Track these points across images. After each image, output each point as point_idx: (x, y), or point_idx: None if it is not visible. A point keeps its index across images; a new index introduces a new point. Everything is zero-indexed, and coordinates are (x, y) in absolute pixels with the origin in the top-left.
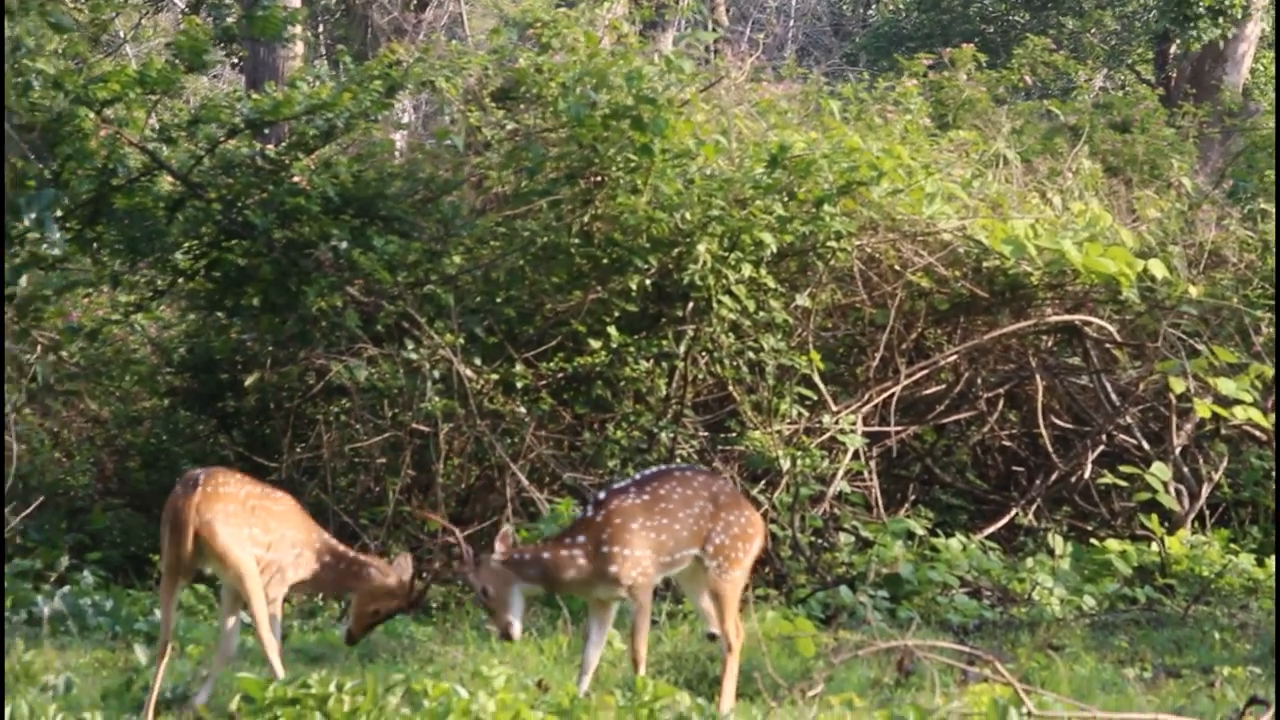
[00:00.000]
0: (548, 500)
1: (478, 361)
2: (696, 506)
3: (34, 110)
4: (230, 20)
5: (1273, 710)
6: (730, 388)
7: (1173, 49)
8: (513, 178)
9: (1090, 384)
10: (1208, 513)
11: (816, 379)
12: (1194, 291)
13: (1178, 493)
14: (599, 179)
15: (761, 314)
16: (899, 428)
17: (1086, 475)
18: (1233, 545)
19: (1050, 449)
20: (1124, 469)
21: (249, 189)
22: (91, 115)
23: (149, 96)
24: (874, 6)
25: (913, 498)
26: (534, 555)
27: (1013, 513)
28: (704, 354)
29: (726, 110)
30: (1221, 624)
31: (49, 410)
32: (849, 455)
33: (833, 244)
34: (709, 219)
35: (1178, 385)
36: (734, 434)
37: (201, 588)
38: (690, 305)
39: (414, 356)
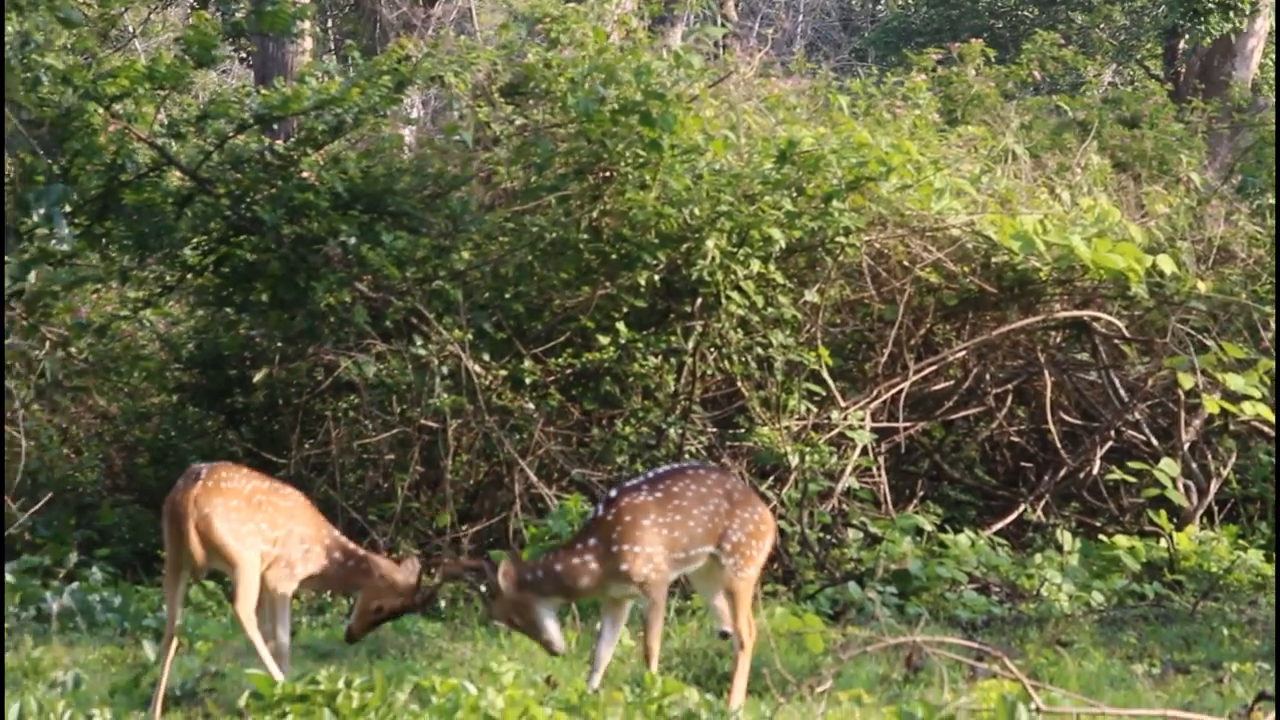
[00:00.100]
0: (556, 496)
1: (486, 357)
2: (711, 504)
3: (43, 105)
4: (239, 15)
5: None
6: (739, 384)
7: (1181, 44)
8: (521, 173)
9: (1099, 380)
10: (1216, 508)
11: (825, 375)
12: (1203, 287)
13: (1186, 489)
14: (608, 174)
15: (770, 310)
16: (907, 424)
17: (1095, 471)
18: (1241, 541)
19: (1059, 445)
20: (1132, 465)
21: (258, 184)
22: (100, 110)
23: (158, 92)
24: (883, 2)
25: (921, 494)
26: (547, 570)
27: (1021, 509)
28: (712, 350)
29: (735, 105)
30: (1230, 620)
31: (57, 406)
32: (857, 451)
33: (841, 239)
34: (718, 214)
35: (1186, 381)
36: (742, 430)
37: (210, 584)
38: (699, 301)
39: (422, 352)
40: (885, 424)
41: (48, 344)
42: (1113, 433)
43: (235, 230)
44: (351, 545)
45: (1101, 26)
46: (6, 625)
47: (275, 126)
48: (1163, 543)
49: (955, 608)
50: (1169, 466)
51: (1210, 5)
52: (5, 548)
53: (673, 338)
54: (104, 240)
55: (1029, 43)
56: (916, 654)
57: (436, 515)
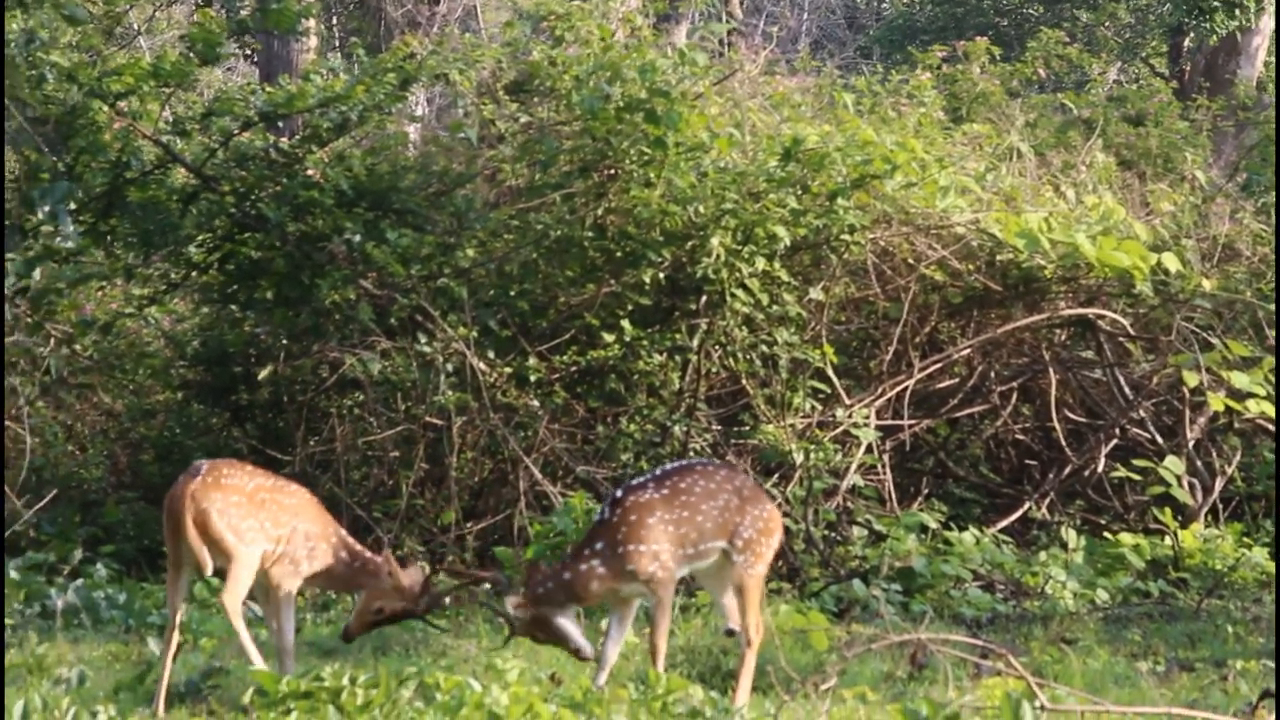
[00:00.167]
0: (561, 494)
1: (491, 355)
2: (721, 499)
3: (48, 103)
4: (244, 13)
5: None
6: (743, 381)
7: (1187, 42)
8: (526, 171)
9: (1104, 377)
10: (1221, 506)
11: (830, 372)
12: (1208, 285)
13: (1191, 486)
14: (612, 172)
15: (775, 307)
16: (912, 421)
17: (1100, 469)
18: (1246, 539)
19: (1063, 443)
20: (1137, 463)
21: (262, 182)
22: (105, 108)
23: (163, 89)
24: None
25: (926, 491)
26: (556, 581)
27: (1026, 506)
28: (717, 347)
29: (740, 103)
30: (1234, 618)
31: (62, 403)
32: (862, 449)
33: (846, 237)
34: (722, 212)
35: (1191, 379)
36: (747, 427)
37: (215, 580)
38: (704, 299)
39: (427, 350)
40: (890, 421)
41: (53, 341)
42: (1117, 430)
43: (240, 227)
44: (358, 546)
45: (1106, 24)
46: (12, 622)
47: (280, 124)
48: (1167, 540)
49: (960, 605)
50: (1174, 464)
51: (1215, 3)
52: (12, 545)
53: (678, 335)
54: (109, 237)
55: (1034, 40)
56: (921, 651)
57: (441, 512)
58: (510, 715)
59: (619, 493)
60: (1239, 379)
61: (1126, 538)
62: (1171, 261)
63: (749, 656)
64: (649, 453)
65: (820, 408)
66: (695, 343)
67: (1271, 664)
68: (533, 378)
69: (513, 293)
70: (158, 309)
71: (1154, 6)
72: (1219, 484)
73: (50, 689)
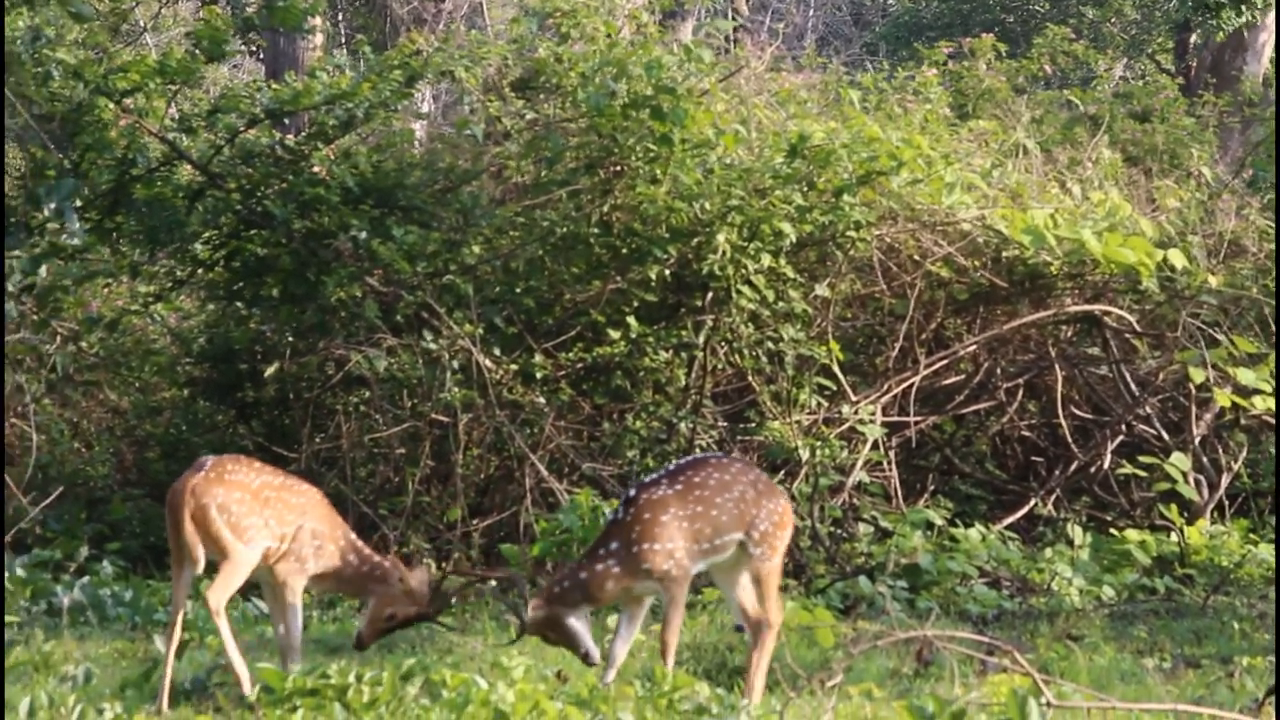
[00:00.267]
0: (567, 491)
1: (497, 352)
2: (737, 491)
3: (54, 100)
4: (250, 10)
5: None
6: (749, 378)
7: (1193, 38)
8: (532, 168)
9: (1110, 374)
10: (1227, 503)
11: (835, 369)
12: (1214, 281)
13: (1197, 483)
14: (618, 169)
15: (781, 304)
16: (918, 418)
17: (1106, 465)
18: (1252, 535)
19: (1069, 439)
20: (1143, 459)
21: (268, 179)
22: (111, 105)
23: (169, 86)
24: None
25: (932, 488)
26: (572, 580)
27: (1032, 503)
28: (723, 344)
29: (746, 100)
30: (1241, 614)
31: (68, 401)
32: (868, 445)
33: (852, 234)
34: (728, 209)
35: (1197, 375)
36: (753, 424)
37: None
38: (709, 295)
39: (433, 347)
40: (896, 418)
41: (58, 339)
42: (1123, 427)
43: (246, 225)
44: (368, 550)
45: (1113, 21)
46: (18, 619)
47: (286, 121)
48: (1173, 537)
49: (966, 602)
50: (1180, 461)
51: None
52: (18, 542)
53: (683, 332)
54: (115, 235)
55: (1040, 37)
56: (927, 648)
57: (447, 510)
58: (516, 712)
59: (633, 491)
60: (1245, 375)
61: (1132, 534)
62: (1177, 258)
63: (769, 637)
64: (655, 449)
65: (826, 404)
66: (701, 339)
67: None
68: (539, 374)
69: (519, 289)
70: (164, 306)
71: (1160, 3)
72: (1225, 480)
73: (56, 686)
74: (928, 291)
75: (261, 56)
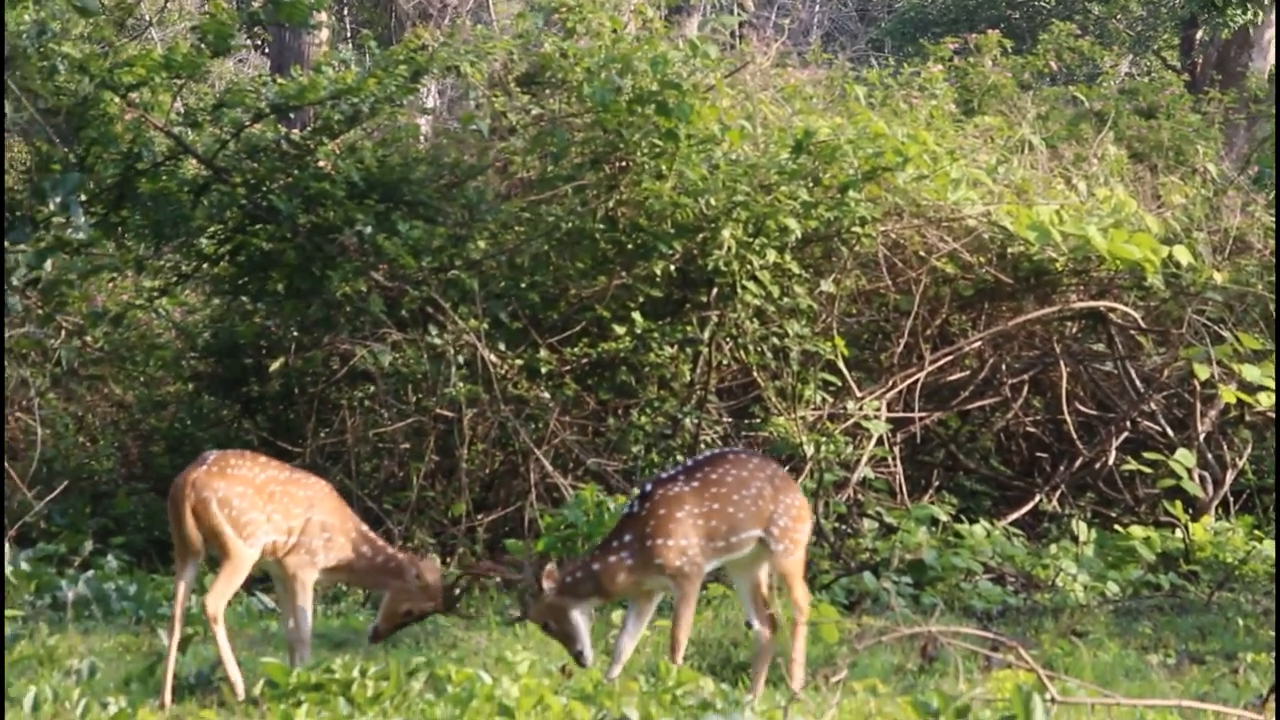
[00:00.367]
0: (571, 486)
1: (502, 347)
2: (754, 487)
3: (59, 94)
4: (256, 5)
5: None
6: (754, 373)
7: (1199, 35)
8: (537, 163)
9: (1115, 370)
10: (1232, 499)
11: (841, 365)
12: (1219, 278)
13: (1202, 479)
14: (624, 164)
15: (786, 299)
16: (923, 414)
17: (1110, 462)
18: (1257, 532)
19: (1074, 435)
20: (1148, 455)
21: (274, 174)
22: (117, 99)
23: (174, 81)
24: None
25: (937, 484)
26: (585, 571)
27: (1037, 499)
28: (728, 340)
29: (752, 95)
30: (1245, 610)
31: (73, 395)
32: (873, 441)
33: (857, 229)
34: (734, 204)
35: (1202, 371)
36: (758, 420)
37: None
38: (715, 291)
39: (438, 342)
40: (901, 414)
41: (63, 332)
42: (1128, 423)
43: (251, 219)
44: (381, 542)
45: (1118, 17)
46: (23, 613)
47: (291, 116)
48: (1178, 533)
49: (970, 598)
50: (1185, 457)
51: None
52: (23, 536)
53: (688, 327)
54: (120, 229)
55: (1046, 33)
56: (932, 644)
57: (452, 504)
58: (521, 707)
59: (649, 486)
60: (1250, 372)
61: (1137, 530)
62: (1183, 254)
63: (799, 629)
64: (660, 445)
65: (831, 400)
66: (706, 335)
67: None
68: (544, 370)
69: (524, 285)
70: (169, 300)
71: None
72: (1230, 477)
73: (61, 680)
74: (933, 287)
75: (267, 51)
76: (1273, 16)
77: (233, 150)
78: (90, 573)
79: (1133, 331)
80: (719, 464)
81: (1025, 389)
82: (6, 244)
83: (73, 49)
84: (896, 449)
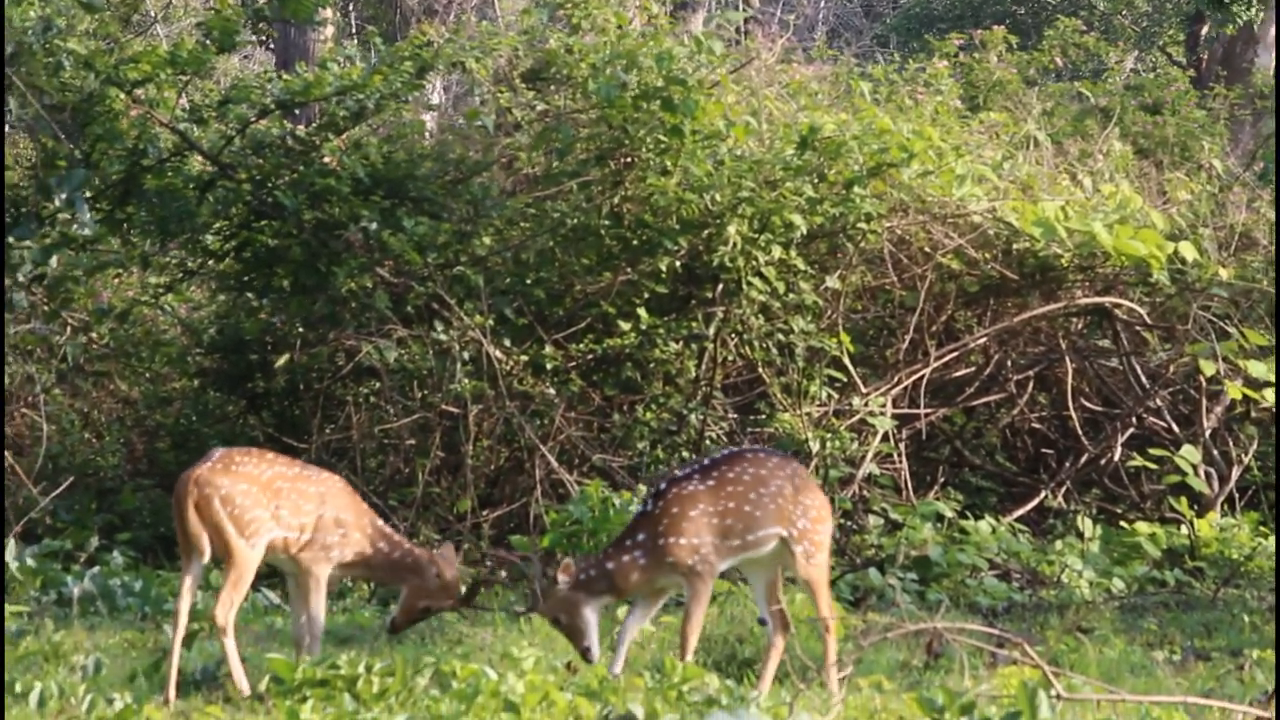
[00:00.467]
0: (577, 482)
1: (507, 343)
2: (773, 486)
3: (65, 90)
4: (262, 1)
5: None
6: (759, 370)
7: (1204, 31)
8: (543, 159)
9: (1120, 366)
10: (1237, 495)
11: (846, 361)
12: (1224, 274)
13: (1207, 476)
14: (629, 160)
15: (791, 296)
16: (928, 410)
17: (1116, 458)
18: (1262, 528)
19: (1080, 431)
20: (1154, 452)
21: (279, 170)
22: (122, 96)
23: (180, 77)
24: None
25: (942, 480)
26: (598, 569)
27: (1042, 495)
28: (733, 336)
29: (757, 91)
30: (1251, 607)
31: (79, 391)
32: (878, 437)
33: (863, 226)
34: (739, 200)
35: (1208, 368)
36: (763, 416)
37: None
38: (720, 287)
39: (443, 338)
40: (906, 410)
41: (69, 329)
42: (1134, 419)
43: (257, 215)
44: (398, 537)
45: (1124, 13)
46: (28, 609)
47: (297, 112)
48: (1184, 529)
49: (976, 594)
50: (1190, 453)
51: None
52: (28, 532)
53: (694, 323)
54: (125, 225)
55: (1051, 29)
56: (937, 640)
57: (457, 501)
58: (526, 703)
59: (664, 483)
60: (1256, 368)
61: (1143, 527)
62: (1188, 250)
63: (830, 640)
64: (665, 441)
65: (836, 396)
66: (711, 331)
67: None
68: (549, 366)
69: (529, 281)
70: (174, 297)
71: None
72: (1235, 473)
73: (66, 676)
74: (938, 284)
75: (272, 47)
76: (1274, 14)
77: (238, 146)
78: (96, 569)
79: (1138, 327)
80: (737, 462)
81: (1030, 385)
82: (12, 240)
83: (78, 45)
84: (902, 445)
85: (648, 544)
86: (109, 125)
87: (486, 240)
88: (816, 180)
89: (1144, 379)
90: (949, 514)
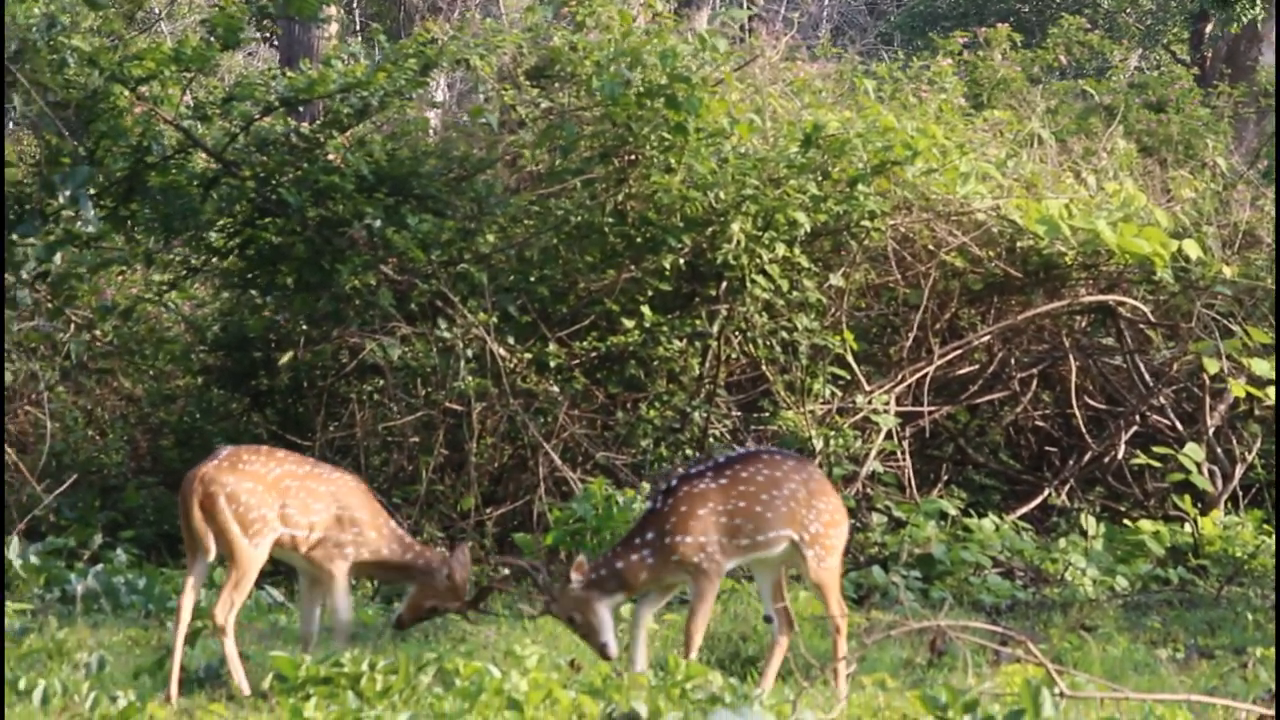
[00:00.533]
0: (580, 479)
1: (511, 340)
2: (786, 489)
3: (69, 87)
4: None
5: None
6: (763, 367)
7: (1208, 29)
8: (547, 156)
9: (1124, 364)
10: (1241, 493)
11: (850, 359)
12: (1228, 272)
13: (1211, 473)
14: (633, 158)
15: (795, 293)
16: (932, 408)
17: (1120, 456)
18: (1266, 526)
19: (1083, 429)
20: (1157, 450)
21: (283, 167)
22: (126, 93)
23: (184, 74)
24: None
25: (945, 478)
26: (609, 567)
27: (1045, 493)
28: (737, 333)
29: (761, 89)
30: (1254, 605)
31: (83, 388)
32: (882, 435)
33: (866, 223)
34: (743, 198)
35: (1211, 366)
36: (767, 414)
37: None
38: (724, 285)
39: (447, 335)
40: (910, 408)
41: (73, 326)
42: (1137, 417)
43: (260, 213)
44: (410, 538)
45: (1128, 11)
46: (32, 607)
47: (301, 109)
48: (1187, 528)
49: (979, 592)
50: (1194, 451)
51: None
52: (32, 530)
53: (697, 321)
54: (129, 222)
55: (1055, 27)
56: (940, 638)
57: (461, 498)
58: (529, 701)
59: (673, 481)
60: (1259, 366)
61: (1146, 525)
62: (1192, 248)
63: (840, 640)
64: (669, 439)
65: (840, 394)
66: (715, 329)
67: None
68: (553, 363)
69: (533, 278)
70: (178, 294)
71: None
72: (1239, 471)
73: (70, 674)
74: (942, 281)
75: (276, 44)
76: (1277, 12)
77: (242, 144)
78: (99, 566)
79: (1142, 326)
80: (751, 463)
81: (1034, 383)
82: (16, 237)
83: (82, 42)
84: (905, 443)
85: (655, 542)
86: (113, 122)
87: (490, 238)
88: (820, 178)
89: (1148, 377)
90: (952, 512)
